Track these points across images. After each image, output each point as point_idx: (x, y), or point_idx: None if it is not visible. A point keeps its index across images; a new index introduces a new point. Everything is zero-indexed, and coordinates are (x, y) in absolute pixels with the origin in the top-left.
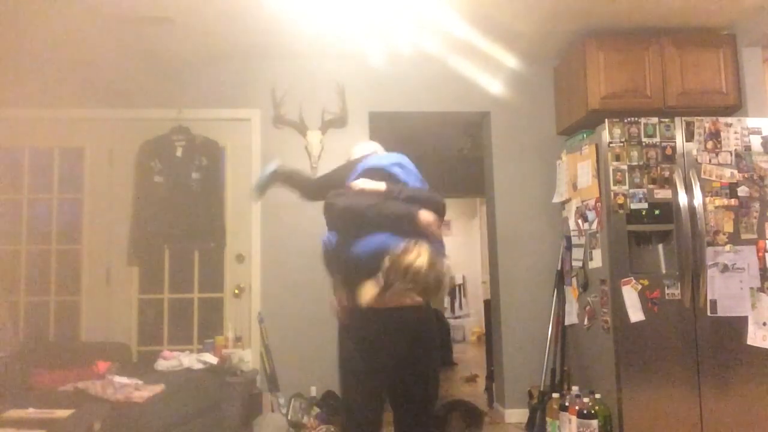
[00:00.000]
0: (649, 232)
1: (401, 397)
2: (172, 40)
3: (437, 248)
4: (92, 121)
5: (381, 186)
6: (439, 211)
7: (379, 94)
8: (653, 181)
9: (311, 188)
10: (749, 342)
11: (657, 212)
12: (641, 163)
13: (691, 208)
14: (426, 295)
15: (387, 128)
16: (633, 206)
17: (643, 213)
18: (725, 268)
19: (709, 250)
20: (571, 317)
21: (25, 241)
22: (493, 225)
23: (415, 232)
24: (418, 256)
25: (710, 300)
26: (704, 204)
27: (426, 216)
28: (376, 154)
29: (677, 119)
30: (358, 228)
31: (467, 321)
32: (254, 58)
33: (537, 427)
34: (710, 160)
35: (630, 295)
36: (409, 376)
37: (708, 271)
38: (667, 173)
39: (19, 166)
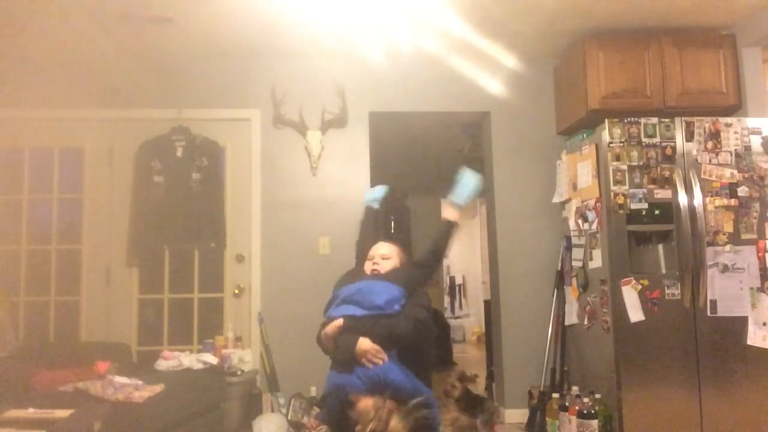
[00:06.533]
0: (649, 232)
1: None
2: (172, 40)
3: (380, 374)
4: (92, 121)
5: (338, 323)
6: (392, 335)
7: (379, 94)
8: (653, 181)
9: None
10: (749, 342)
11: (657, 212)
12: (641, 163)
13: (691, 208)
14: None
15: (387, 128)
16: (633, 206)
17: (643, 213)
18: (725, 268)
19: (709, 250)
20: (571, 317)
21: (25, 241)
22: (493, 225)
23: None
24: (378, 421)
25: (710, 300)
26: (704, 204)
27: (362, 344)
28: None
29: (677, 119)
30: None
31: (467, 321)
32: (254, 58)
33: (537, 427)
34: (710, 160)
35: (630, 295)
36: None
37: (708, 271)
38: (667, 173)
39: (19, 166)
